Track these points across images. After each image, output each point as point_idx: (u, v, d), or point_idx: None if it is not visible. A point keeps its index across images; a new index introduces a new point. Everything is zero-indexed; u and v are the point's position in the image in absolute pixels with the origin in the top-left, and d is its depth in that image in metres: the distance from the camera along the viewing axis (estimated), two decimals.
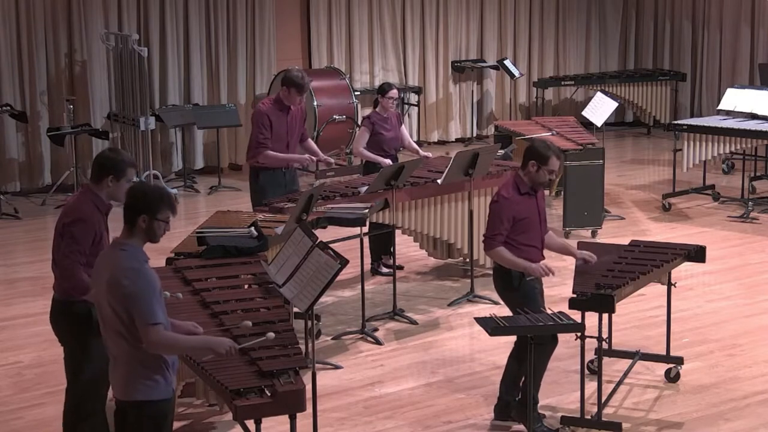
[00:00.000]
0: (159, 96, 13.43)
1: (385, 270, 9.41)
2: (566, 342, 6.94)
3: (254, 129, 8.78)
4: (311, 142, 9.17)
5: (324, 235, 8.27)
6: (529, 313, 6.13)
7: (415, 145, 9.73)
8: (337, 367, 7.51)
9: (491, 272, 9.23)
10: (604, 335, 6.61)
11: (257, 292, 6.22)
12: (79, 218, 5.66)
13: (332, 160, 9.18)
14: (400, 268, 9.47)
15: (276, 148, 8.68)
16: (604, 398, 6.59)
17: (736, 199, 11.99)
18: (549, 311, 6.23)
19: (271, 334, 5.27)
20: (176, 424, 6.57)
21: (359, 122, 9.62)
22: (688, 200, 12.13)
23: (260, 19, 13.95)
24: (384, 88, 9.45)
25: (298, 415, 5.04)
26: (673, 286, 7.22)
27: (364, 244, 8.19)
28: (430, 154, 9.61)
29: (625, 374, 7.08)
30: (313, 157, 8.90)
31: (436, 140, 15.63)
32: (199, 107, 13.38)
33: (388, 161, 9.20)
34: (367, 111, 11.03)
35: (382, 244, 9.30)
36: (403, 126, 9.71)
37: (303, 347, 6.58)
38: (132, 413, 4.87)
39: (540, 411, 6.60)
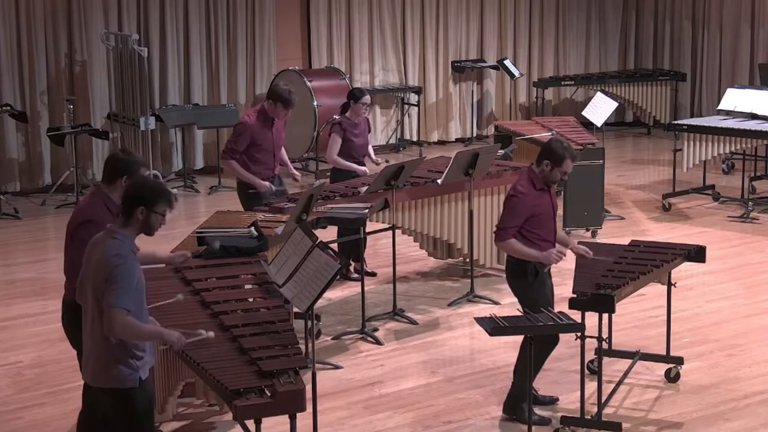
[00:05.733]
0: (159, 96, 13.42)
1: (354, 275, 9.30)
2: (566, 342, 6.93)
3: (231, 135, 8.83)
4: (283, 152, 9.03)
5: (324, 235, 8.28)
6: (529, 312, 6.14)
7: (371, 151, 9.52)
8: (337, 367, 7.51)
9: (491, 272, 9.39)
10: (604, 335, 6.61)
11: (257, 292, 6.22)
12: (89, 219, 5.69)
13: (299, 175, 9.22)
14: (374, 274, 9.43)
15: (262, 159, 8.65)
16: (604, 398, 6.58)
17: (736, 199, 11.98)
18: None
19: (211, 334, 5.25)
20: (176, 424, 6.59)
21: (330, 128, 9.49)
22: (688, 200, 12.12)
23: (260, 20, 13.95)
24: (356, 94, 9.28)
25: (298, 415, 5.05)
26: (673, 286, 7.21)
27: (362, 245, 8.18)
28: (380, 160, 9.40)
29: (625, 374, 7.08)
30: (272, 187, 8.71)
31: (436, 140, 15.63)
32: (199, 107, 13.38)
33: (364, 168, 9.18)
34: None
35: (351, 250, 9.15)
36: (370, 132, 9.59)
37: (303, 347, 6.57)
38: (102, 399, 4.98)
39: (541, 412, 6.62)
